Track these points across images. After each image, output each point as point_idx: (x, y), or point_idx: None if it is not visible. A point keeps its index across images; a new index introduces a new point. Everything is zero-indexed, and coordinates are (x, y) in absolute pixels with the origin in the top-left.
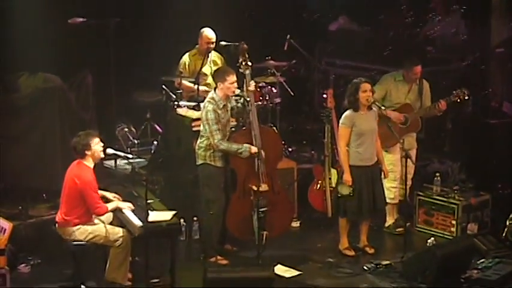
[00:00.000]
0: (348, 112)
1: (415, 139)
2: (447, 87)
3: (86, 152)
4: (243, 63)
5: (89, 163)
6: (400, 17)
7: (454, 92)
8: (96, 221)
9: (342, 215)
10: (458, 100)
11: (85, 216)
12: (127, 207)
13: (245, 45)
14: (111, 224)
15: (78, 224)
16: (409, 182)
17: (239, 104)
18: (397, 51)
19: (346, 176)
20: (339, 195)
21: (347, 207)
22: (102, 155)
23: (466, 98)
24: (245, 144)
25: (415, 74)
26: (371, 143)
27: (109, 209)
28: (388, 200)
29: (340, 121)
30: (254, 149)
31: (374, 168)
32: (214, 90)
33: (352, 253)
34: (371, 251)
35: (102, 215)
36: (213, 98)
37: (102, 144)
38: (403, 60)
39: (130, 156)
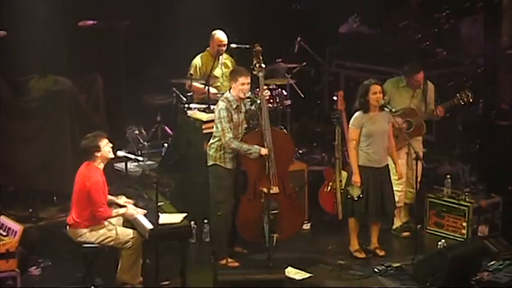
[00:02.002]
0: (357, 113)
1: (421, 143)
2: (456, 89)
3: (96, 154)
4: (257, 65)
5: (99, 165)
6: (409, 18)
7: (457, 94)
8: (106, 223)
9: (350, 214)
10: (462, 103)
11: (96, 218)
12: (138, 213)
13: (259, 48)
14: (121, 226)
15: (88, 226)
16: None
17: (253, 107)
18: (407, 53)
19: (355, 177)
20: (349, 196)
21: (355, 207)
22: (112, 156)
23: (471, 100)
24: (255, 146)
25: (417, 81)
26: (381, 145)
27: (116, 213)
28: None
29: (350, 122)
30: (264, 151)
31: (384, 170)
32: (229, 90)
33: (362, 255)
34: (381, 253)
35: (105, 219)
36: (226, 98)
37: (111, 145)
38: (404, 67)
39: (141, 158)
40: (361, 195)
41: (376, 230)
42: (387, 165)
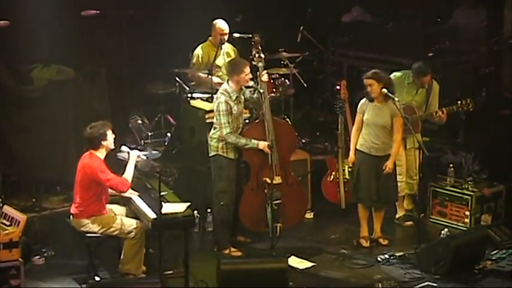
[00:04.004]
0: (363, 100)
1: (420, 135)
2: (460, 78)
3: (102, 143)
4: (256, 55)
5: (101, 154)
6: (413, 7)
7: (458, 101)
8: (111, 213)
9: (353, 198)
10: (462, 110)
11: (98, 207)
12: (134, 195)
13: (258, 38)
14: (125, 216)
15: (92, 216)
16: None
17: (255, 95)
18: (411, 42)
19: (350, 155)
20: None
21: (354, 191)
22: (113, 146)
23: (471, 109)
24: (253, 140)
25: (422, 83)
26: (378, 136)
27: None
28: None
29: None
30: (262, 145)
31: (381, 160)
32: (227, 82)
33: (366, 244)
34: (384, 242)
35: (126, 190)
36: (225, 90)
37: (113, 136)
38: (413, 64)
39: (144, 155)
40: (346, 176)
41: (379, 218)
42: (389, 155)
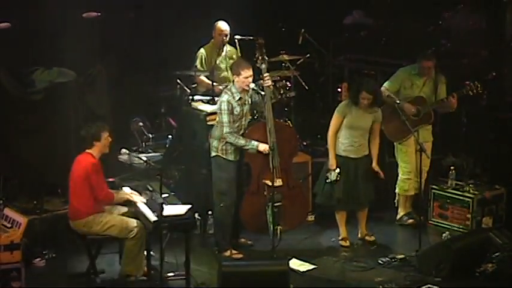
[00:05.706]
0: (345, 101)
1: (430, 132)
2: (461, 81)
3: (94, 143)
4: (260, 57)
5: (95, 154)
6: (414, 10)
7: (466, 85)
8: (110, 212)
9: (337, 207)
10: (471, 93)
11: (94, 204)
12: (140, 201)
13: (262, 40)
14: (124, 215)
15: (90, 215)
16: (424, 175)
17: (257, 98)
18: (411, 44)
19: (331, 161)
20: (327, 181)
21: (335, 195)
22: (107, 151)
23: (480, 91)
24: (253, 141)
25: (423, 69)
26: (355, 137)
27: (118, 197)
28: (401, 192)
29: (336, 108)
30: (262, 147)
31: (359, 162)
32: (233, 82)
33: (346, 244)
34: (371, 238)
35: (109, 200)
36: (229, 89)
37: (110, 140)
38: (418, 53)
39: (144, 158)
40: (338, 178)
41: (363, 218)
42: (365, 156)
